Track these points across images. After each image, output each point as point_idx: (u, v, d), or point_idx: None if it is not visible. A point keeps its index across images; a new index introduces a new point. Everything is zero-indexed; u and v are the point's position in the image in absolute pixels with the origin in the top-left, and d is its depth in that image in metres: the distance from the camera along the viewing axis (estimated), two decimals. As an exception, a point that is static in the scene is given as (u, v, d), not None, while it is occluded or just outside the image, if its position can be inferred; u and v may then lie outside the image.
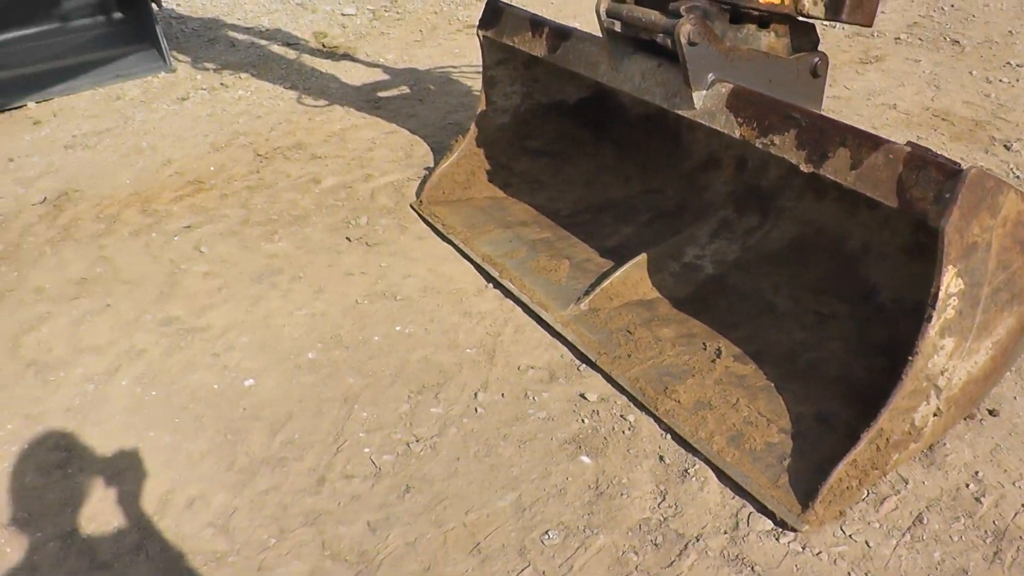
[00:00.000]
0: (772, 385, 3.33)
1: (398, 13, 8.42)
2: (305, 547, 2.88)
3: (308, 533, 2.93)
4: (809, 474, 2.92)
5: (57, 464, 3.34)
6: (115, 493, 3.18)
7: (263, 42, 7.86)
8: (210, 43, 8.09)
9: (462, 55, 7.25)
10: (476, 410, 3.41)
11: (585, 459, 3.18)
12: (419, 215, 4.74)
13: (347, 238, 4.55)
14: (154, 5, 7.30)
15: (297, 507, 3.02)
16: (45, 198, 5.38)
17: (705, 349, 3.55)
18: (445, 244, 4.48)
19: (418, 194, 4.90)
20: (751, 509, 2.93)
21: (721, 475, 3.05)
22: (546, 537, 2.87)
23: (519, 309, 3.98)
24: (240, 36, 8.13)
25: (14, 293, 4.43)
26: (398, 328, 3.88)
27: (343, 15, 8.42)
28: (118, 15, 7.97)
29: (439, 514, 2.98)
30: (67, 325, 4.14)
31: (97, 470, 3.30)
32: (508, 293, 4.06)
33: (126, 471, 3.27)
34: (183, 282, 4.33)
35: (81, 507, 3.15)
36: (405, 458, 3.19)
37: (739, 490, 2.99)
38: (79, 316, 4.19)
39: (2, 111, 6.93)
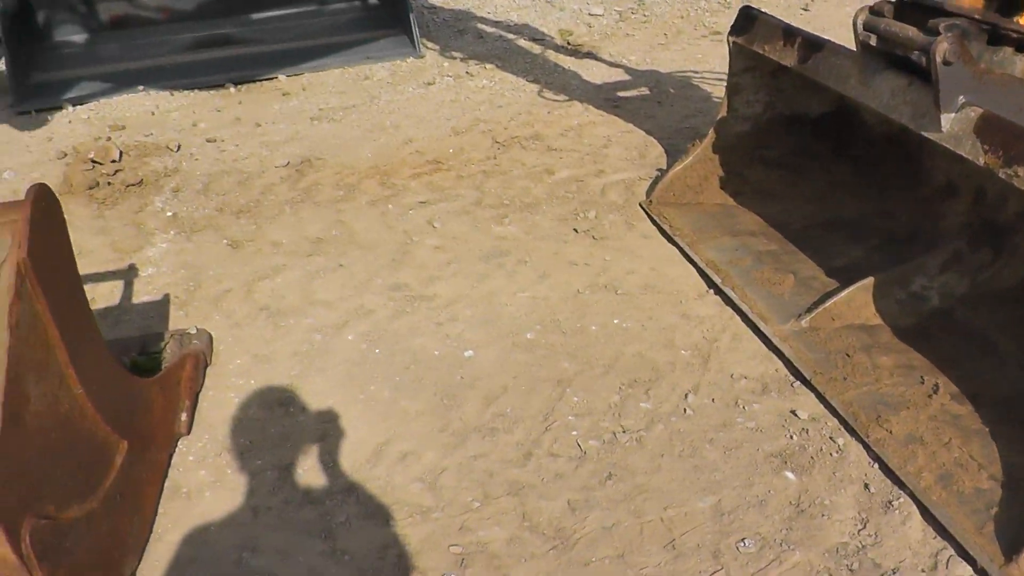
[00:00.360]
0: (987, 429, 3.19)
1: (644, 16, 8.48)
2: (506, 515, 2.99)
3: (510, 503, 3.03)
4: (1016, 526, 2.79)
5: (280, 402, 3.59)
6: (332, 436, 3.39)
7: (510, 36, 8.08)
8: (459, 34, 8.37)
9: (704, 61, 7.24)
10: (685, 411, 3.43)
11: (789, 475, 3.15)
12: (647, 214, 4.78)
13: (574, 229, 4.64)
14: None
15: (502, 476, 3.13)
16: (289, 162, 5.74)
17: (923, 383, 3.44)
18: (670, 245, 4.51)
19: (648, 194, 4.95)
20: (952, 552, 2.83)
21: (925, 512, 2.95)
22: (742, 544, 2.87)
23: (738, 318, 3.96)
24: (488, 29, 8.38)
25: (252, 244, 4.77)
26: (616, 321, 3.94)
27: (590, 15, 8.54)
28: (374, 1, 8.36)
29: (638, 505, 3.02)
30: (300, 278, 4.42)
31: (317, 412, 3.52)
32: (728, 301, 4.04)
33: (344, 418, 3.48)
34: (414, 253, 4.54)
35: (299, 444, 3.37)
36: (610, 446, 3.25)
37: (942, 531, 2.88)
38: (313, 272, 4.46)
39: (255, 81, 7.43)
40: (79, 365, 2.71)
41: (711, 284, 4.18)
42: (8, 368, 2.34)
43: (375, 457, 3.25)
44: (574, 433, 3.31)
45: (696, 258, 4.32)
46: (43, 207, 2.60)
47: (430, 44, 7.98)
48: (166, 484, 3.25)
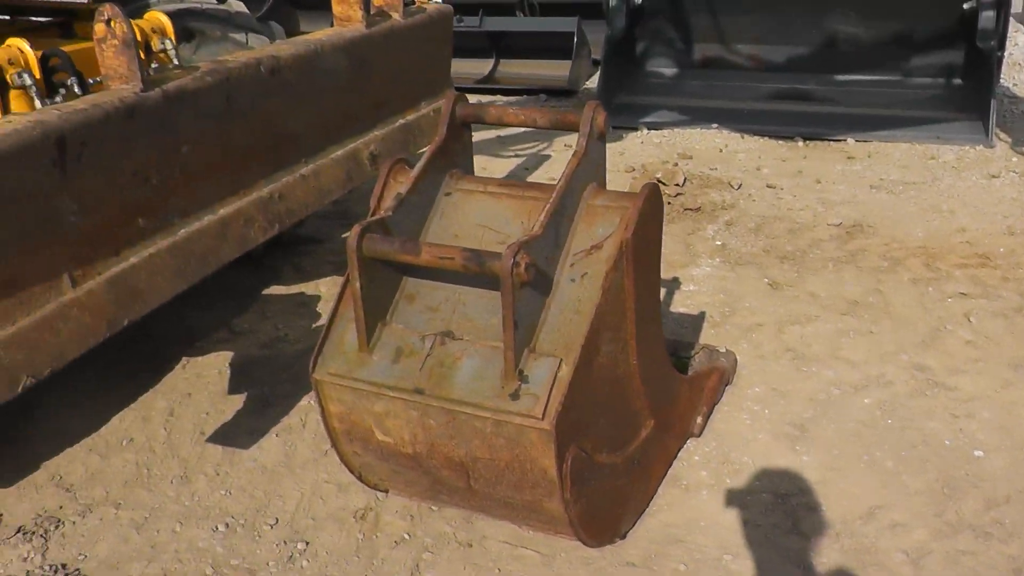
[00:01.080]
0: None
1: None
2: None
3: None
4: None
5: (787, 436, 3.94)
6: (830, 484, 3.64)
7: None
8: (1038, 129, 8.13)
9: None
10: None
11: None
12: None
13: None
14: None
15: (993, 578, 3.19)
16: (841, 223, 6.02)
17: None
18: None
19: None
20: None
21: None
22: None
23: None
24: (1070, 132, 8.04)
25: (791, 289, 5.16)
26: None
27: None
28: (958, 81, 8.32)
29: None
30: (830, 333, 4.72)
31: (819, 458, 3.78)
32: None
33: (844, 472, 3.72)
34: (944, 340, 4.63)
35: (797, 480, 3.67)
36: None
37: None
38: (843, 329, 4.74)
39: (823, 139, 7.78)
40: (640, 340, 3.21)
41: None
42: (593, 320, 2.89)
43: (867, 516, 3.46)
44: (1072, 565, 3.28)
45: None
46: (651, 202, 3.15)
47: (1002, 135, 7.82)
48: (669, 472, 3.72)
